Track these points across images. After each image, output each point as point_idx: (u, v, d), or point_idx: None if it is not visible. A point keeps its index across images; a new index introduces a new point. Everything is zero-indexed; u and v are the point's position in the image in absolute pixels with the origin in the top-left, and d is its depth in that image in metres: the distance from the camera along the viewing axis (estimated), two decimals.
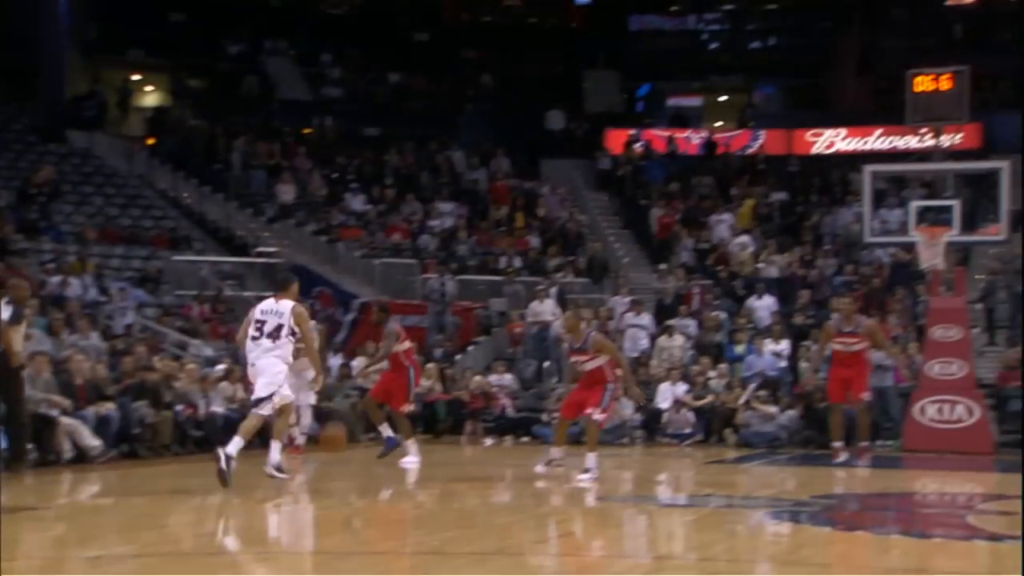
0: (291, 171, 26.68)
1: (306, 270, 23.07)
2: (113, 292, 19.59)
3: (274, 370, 11.08)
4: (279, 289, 11.53)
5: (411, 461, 13.51)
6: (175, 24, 31.31)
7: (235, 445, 10.76)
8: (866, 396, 14.73)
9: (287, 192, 26.03)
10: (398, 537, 9.00)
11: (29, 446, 12.81)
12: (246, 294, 21.94)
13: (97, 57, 30.09)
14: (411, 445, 13.60)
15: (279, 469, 11.29)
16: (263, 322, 11.14)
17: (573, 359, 12.61)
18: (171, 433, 15.21)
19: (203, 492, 10.78)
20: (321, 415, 17.23)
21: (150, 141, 27.91)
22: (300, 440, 14.99)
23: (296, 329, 11.16)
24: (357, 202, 26.36)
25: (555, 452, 12.84)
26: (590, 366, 12.31)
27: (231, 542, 8.75)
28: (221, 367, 16.95)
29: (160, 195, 25.77)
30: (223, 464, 10.58)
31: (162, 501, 10.73)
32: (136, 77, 31.37)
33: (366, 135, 29.97)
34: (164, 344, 18.34)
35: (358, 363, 18.87)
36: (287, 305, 11.17)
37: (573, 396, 12.69)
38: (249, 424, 11.09)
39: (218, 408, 15.89)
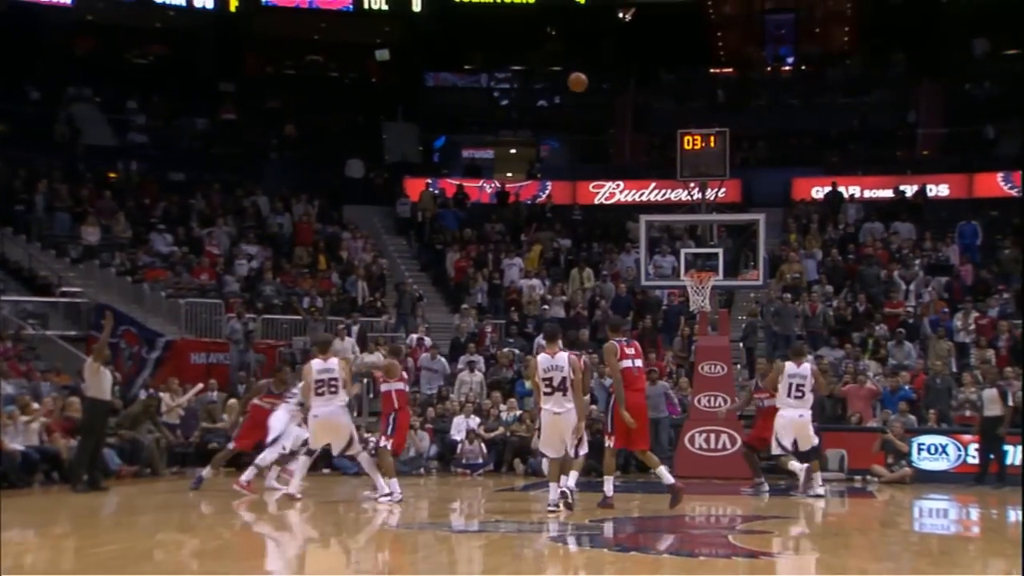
0: (96, 214, 25.75)
1: (111, 309, 22.31)
2: None
3: None
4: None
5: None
6: None
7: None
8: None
9: (92, 234, 25.05)
10: (193, 570, 8.73)
11: None
12: (49, 333, 21.11)
13: None
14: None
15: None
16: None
17: None
18: None
19: None
20: (124, 451, 16.68)
21: None
22: None
23: None
24: (162, 243, 25.63)
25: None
26: None
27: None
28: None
29: None
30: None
31: None
32: None
33: (172, 180, 29.19)
34: None
35: (166, 399, 18.52)
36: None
37: None
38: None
39: (17, 445, 15.13)
